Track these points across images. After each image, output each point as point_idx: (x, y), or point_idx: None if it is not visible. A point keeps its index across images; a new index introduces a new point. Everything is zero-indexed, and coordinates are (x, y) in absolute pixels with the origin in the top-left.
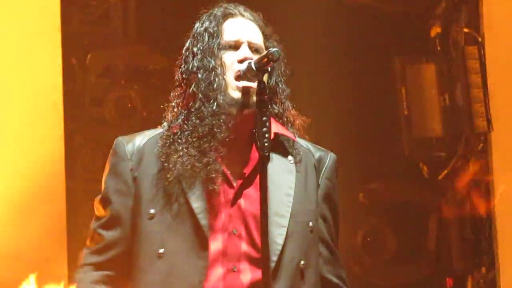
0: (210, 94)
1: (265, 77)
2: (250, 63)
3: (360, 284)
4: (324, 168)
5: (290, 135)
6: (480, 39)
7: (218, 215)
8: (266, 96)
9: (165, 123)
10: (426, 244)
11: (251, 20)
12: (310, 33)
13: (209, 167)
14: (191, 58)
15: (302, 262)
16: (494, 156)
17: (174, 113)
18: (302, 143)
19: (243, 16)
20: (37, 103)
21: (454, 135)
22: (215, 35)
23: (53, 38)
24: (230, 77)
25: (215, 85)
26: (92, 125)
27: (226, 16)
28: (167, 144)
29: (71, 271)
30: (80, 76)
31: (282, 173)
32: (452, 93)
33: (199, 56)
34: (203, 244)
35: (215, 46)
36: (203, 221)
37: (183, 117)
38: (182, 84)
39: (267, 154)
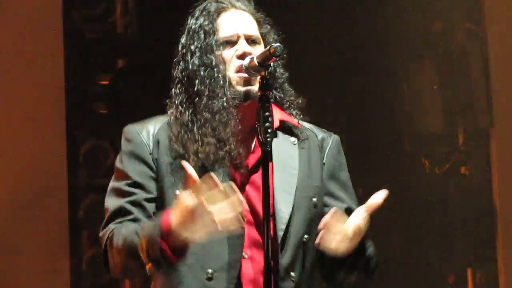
0: (217, 90)
1: None
2: (252, 58)
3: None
4: (327, 148)
5: (294, 121)
6: (482, 35)
7: None
8: (268, 91)
9: (170, 116)
10: (427, 239)
11: (243, 9)
12: (311, 27)
13: (232, 153)
14: (189, 56)
15: (306, 236)
16: (496, 152)
17: (178, 110)
18: (305, 125)
19: (235, 7)
20: (39, 99)
21: (456, 131)
22: (211, 32)
23: (55, 33)
24: (231, 71)
25: (221, 81)
26: (94, 121)
27: (219, 10)
28: (181, 135)
29: (73, 267)
30: (82, 73)
31: (286, 151)
32: (454, 89)
33: (197, 54)
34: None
35: (213, 43)
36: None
37: (190, 111)
38: (183, 81)
39: (269, 148)
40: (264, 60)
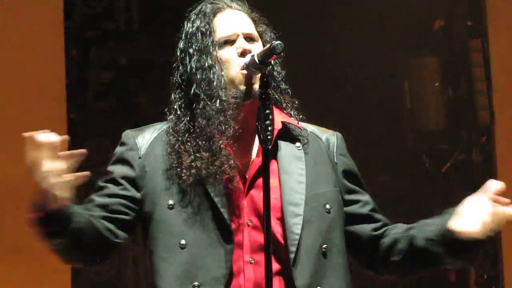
0: (212, 92)
1: None
2: (253, 56)
3: (364, 278)
4: (334, 147)
5: (295, 123)
6: (483, 32)
7: (233, 207)
8: (269, 90)
9: (169, 123)
10: None
11: (238, 9)
12: (312, 27)
13: (223, 168)
14: (187, 60)
15: (325, 245)
16: (498, 149)
17: (177, 115)
18: (308, 127)
19: (231, 7)
20: (40, 97)
21: (457, 128)
22: (207, 33)
23: (56, 31)
24: (233, 70)
25: (215, 83)
26: (95, 118)
27: (215, 11)
28: (176, 146)
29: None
30: (83, 70)
31: (292, 161)
32: (455, 86)
33: (195, 57)
34: (228, 237)
35: (209, 44)
36: (226, 214)
37: (188, 119)
38: (182, 86)
39: (270, 147)
40: (264, 58)
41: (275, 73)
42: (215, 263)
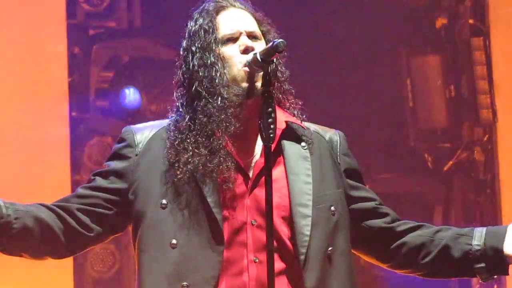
0: (214, 90)
1: None
2: (255, 54)
3: (366, 276)
4: (338, 147)
5: (299, 122)
6: (485, 30)
7: (235, 207)
8: (271, 87)
9: (171, 121)
10: None
11: (242, 8)
12: (314, 25)
13: (221, 167)
14: (190, 58)
15: (330, 248)
16: (500, 147)
17: (179, 112)
18: (311, 127)
19: (234, 6)
20: (42, 95)
21: (459, 126)
22: (210, 30)
23: (59, 29)
24: (236, 67)
25: (217, 80)
26: (97, 117)
27: (218, 9)
28: (176, 143)
29: (76, 262)
30: (85, 68)
31: (298, 161)
32: (458, 85)
33: (198, 55)
34: (219, 238)
35: (212, 41)
36: (219, 215)
37: (189, 116)
38: (185, 84)
39: (273, 145)
40: (267, 56)
41: (278, 73)
42: (206, 264)
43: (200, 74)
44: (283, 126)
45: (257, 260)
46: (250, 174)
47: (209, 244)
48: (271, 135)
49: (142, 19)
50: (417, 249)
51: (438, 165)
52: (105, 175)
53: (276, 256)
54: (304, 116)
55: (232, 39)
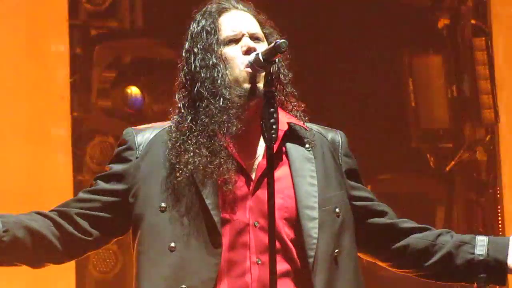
0: (216, 91)
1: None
2: (257, 54)
3: (368, 276)
4: (340, 147)
5: (301, 123)
6: (487, 31)
7: (237, 208)
8: (274, 88)
9: (172, 122)
10: None
11: (245, 10)
12: (316, 26)
13: (221, 168)
14: (192, 59)
15: (336, 250)
16: (502, 148)
17: (181, 114)
18: (313, 128)
19: (237, 8)
20: (44, 96)
21: (461, 127)
22: (212, 32)
23: (61, 29)
24: (238, 68)
25: (219, 81)
26: (99, 117)
27: (220, 11)
28: (177, 144)
29: (78, 263)
30: (87, 68)
31: (303, 163)
32: (460, 85)
33: (200, 56)
34: (216, 241)
35: (214, 42)
36: (217, 217)
37: (190, 117)
38: (187, 85)
39: (275, 146)
40: (269, 56)
41: (281, 75)
42: (203, 266)
43: (202, 75)
44: (286, 127)
45: (259, 262)
46: (253, 176)
47: (207, 247)
48: (273, 136)
49: (144, 20)
50: (419, 253)
51: (440, 165)
52: (106, 178)
53: (279, 257)
54: (306, 118)
55: (234, 41)
